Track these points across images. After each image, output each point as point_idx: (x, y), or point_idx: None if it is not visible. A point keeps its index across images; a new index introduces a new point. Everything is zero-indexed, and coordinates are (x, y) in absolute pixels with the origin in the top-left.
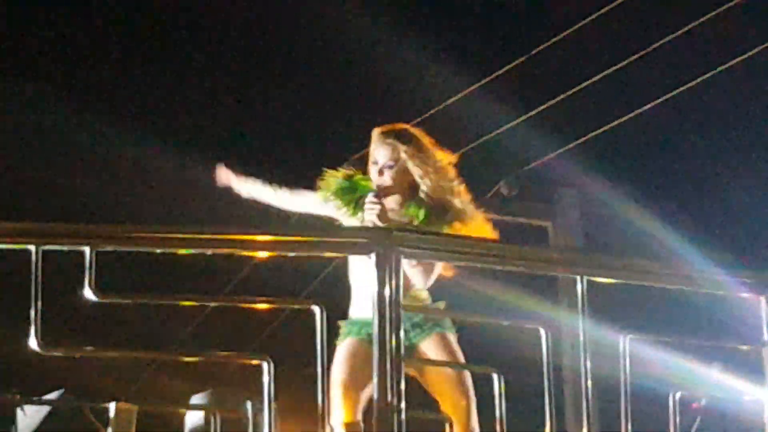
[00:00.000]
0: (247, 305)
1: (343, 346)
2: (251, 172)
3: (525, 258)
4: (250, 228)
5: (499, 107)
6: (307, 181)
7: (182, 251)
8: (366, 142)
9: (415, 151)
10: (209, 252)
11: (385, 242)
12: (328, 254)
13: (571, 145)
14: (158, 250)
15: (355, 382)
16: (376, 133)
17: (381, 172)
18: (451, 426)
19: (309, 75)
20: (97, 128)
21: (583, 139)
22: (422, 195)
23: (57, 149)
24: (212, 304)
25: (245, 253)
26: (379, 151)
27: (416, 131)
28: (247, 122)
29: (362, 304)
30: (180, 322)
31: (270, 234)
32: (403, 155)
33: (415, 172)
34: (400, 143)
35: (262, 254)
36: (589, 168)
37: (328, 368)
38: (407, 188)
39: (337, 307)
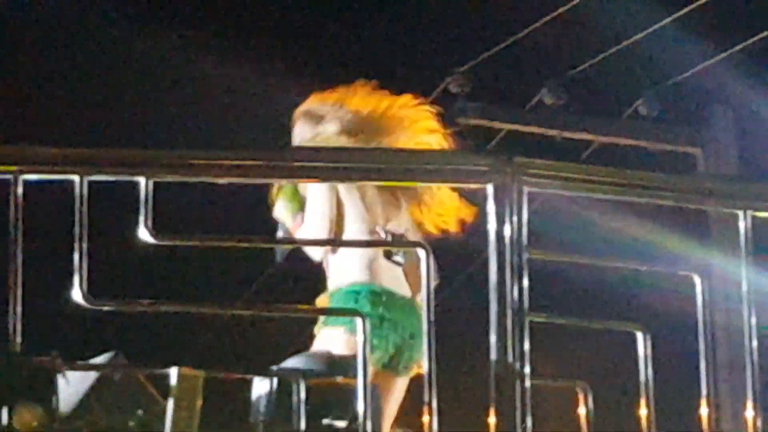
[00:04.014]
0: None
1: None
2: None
3: (675, 189)
4: (338, 153)
5: (637, 6)
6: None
7: (254, 181)
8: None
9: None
10: (284, 182)
11: (506, 170)
12: (434, 184)
13: (725, 54)
14: (226, 180)
15: None
16: None
17: None
18: (585, 395)
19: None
20: (149, 39)
21: (741, 45)
22: None
23: (110, 65)
24: (292, 247)
25: (335, 181)
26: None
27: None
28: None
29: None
30: (251, 271)
31: (365, 160)
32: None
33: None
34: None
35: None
36: (746, 81)
37: (436, 322)
38: None
39: (448, 247)
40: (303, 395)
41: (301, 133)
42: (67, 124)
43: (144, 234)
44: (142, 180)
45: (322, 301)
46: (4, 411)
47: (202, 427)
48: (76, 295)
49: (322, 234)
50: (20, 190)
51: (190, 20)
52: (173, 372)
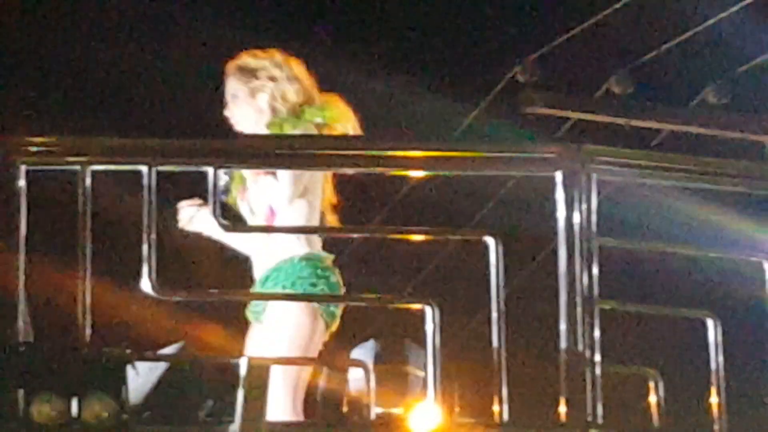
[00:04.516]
0: (403, 237)
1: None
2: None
3: (745, 175)
4: (406, 142)
5: None
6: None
7: (320, 170)
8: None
9: None
10: (353, 171)
11: (574, 158)
12: (504, 173)
13: None
14: (294, 170)
15: None
16: None
17: None
18: (655, 383)
19: None
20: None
21: None
22: None
23: (176, 55)
24: (360, 236)
25: (400, 172)
26: None
27: None
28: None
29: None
30: None
31: (426, 149)
32: None
33: None
34: None
35: (417, 174)
36: None
37: (506, 313)
38: None
39: (516, 239)
40: (373, 384)
41: (233, 89)
42: (132, 115)
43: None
44: (210, 169)
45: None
46: (75, 402)
47: None
48: (145, 285)
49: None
50: (88, 181)
51: (259, 11)
52: (242, 361)
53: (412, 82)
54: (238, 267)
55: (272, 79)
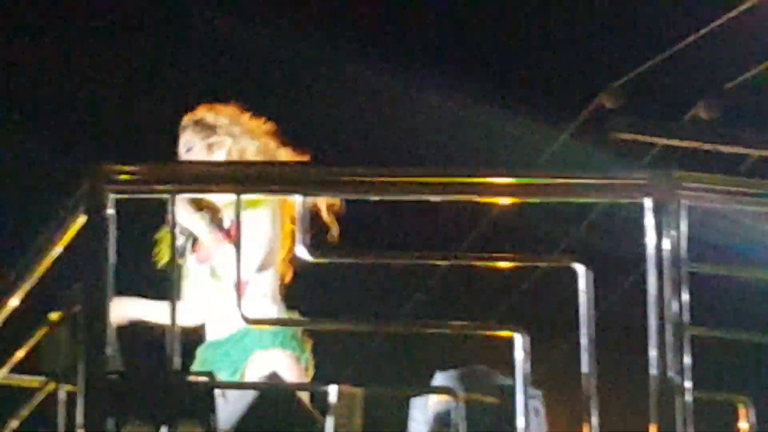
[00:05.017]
0: (489, 264)
1: None
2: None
3: None
4: (490, 168)
5: None
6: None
7: (406, 198)
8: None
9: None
10: (437, 199)
11: (664, 184)
12: (593, 200)
13: None
14: (377, 198)
15: None
16: None
17: None
18: (746, 409)
19: None
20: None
21: None
22: None
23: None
24: (445, 263)
25: (485, 199)
26: None
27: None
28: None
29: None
30: (407, 288)
31: (515, 175)
32: None
33: None
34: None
35: (505, 201)
36: None
37: (596, 342)
38: None
39: (602, 265)
40: (463, 413)
41: (189, 142)
42: None
43: (301, 252)
44: (298, 197)
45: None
46: (164, 430)
47: None
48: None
49: (260, 253)
50: (176, 209)
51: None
52: (332, 389)
53: (498, 108)
54: None
55: (231, 135)
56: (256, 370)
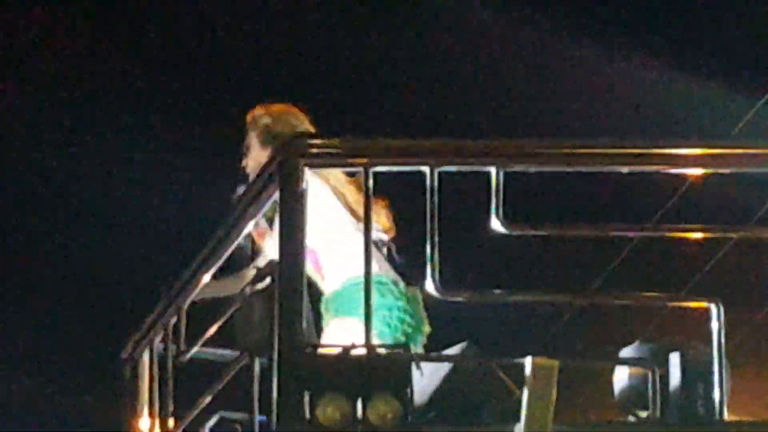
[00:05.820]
0: (681, 235)
1: None
2: None
3: None
4: (685, 139)
5: None
6: None
7: (600, 169)
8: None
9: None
10: (628, 170)
11: None
12: None
13: None
14: (575, 169)
15: None
16: None
17: None
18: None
19: None
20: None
21: None
22: None
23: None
24: (638, 235)
25: (679, 170)
26: None
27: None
28: None
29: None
30: (598, 260)
31: (710, 146)
32: None
33: None
34: None
35: (696, 172)
36: None
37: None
38: None
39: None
40: (658, 385)
41: (250, 140)
42: (414, 115)
43: (496, 224)
44: (493, 170)
45: (331, 294)
46: (359, 404)
47: (557, 418)
48: (429, 286)
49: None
50: (371, 182)
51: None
52: (528, 361)
53: (691, 78)
54: None
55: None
56: (329, 336)
